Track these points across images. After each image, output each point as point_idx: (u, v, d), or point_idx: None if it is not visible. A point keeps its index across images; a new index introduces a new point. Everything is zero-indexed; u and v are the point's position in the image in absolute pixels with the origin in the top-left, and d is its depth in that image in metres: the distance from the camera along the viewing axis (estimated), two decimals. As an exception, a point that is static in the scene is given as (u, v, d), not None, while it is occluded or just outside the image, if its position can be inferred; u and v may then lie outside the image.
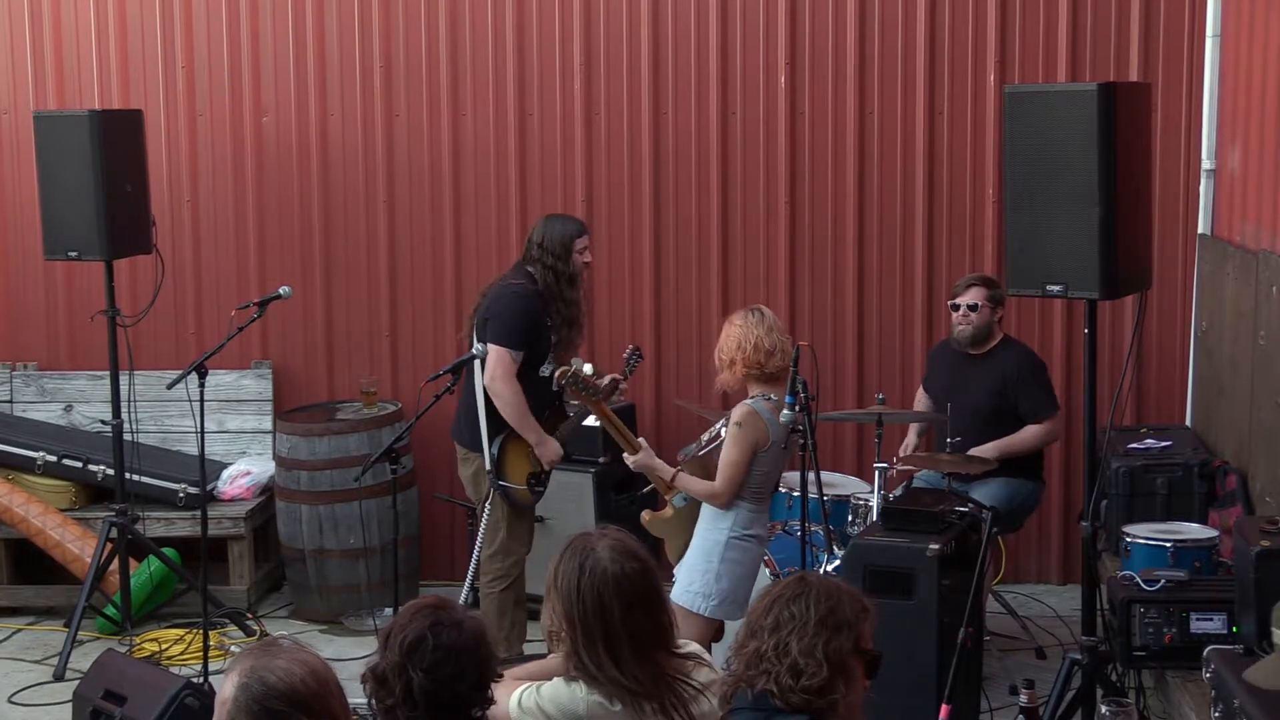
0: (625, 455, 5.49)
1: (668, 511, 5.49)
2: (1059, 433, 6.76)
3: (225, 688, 2.76)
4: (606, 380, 5.39)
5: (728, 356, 5.28)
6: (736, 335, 5.26)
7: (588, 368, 5.32)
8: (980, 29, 7.25)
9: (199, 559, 6.32)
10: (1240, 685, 4.06)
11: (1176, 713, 5.41)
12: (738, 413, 5.24)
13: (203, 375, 6.08)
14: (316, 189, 7.62)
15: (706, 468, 5.39)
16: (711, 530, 5.30)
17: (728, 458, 5.22)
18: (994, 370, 6.54)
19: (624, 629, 3.36)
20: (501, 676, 3.24)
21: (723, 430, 5.46)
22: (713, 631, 5.35)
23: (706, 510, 5.34)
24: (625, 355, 6.21)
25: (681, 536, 5.42)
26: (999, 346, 6.62)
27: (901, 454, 6.57)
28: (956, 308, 6.59)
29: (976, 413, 6.43)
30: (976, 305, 6.53)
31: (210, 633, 6.42)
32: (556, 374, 5.37)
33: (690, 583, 5.27)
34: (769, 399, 5.24)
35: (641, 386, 7.44)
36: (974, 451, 6.32)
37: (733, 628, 5.61)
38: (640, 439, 5.47)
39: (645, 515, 5.54)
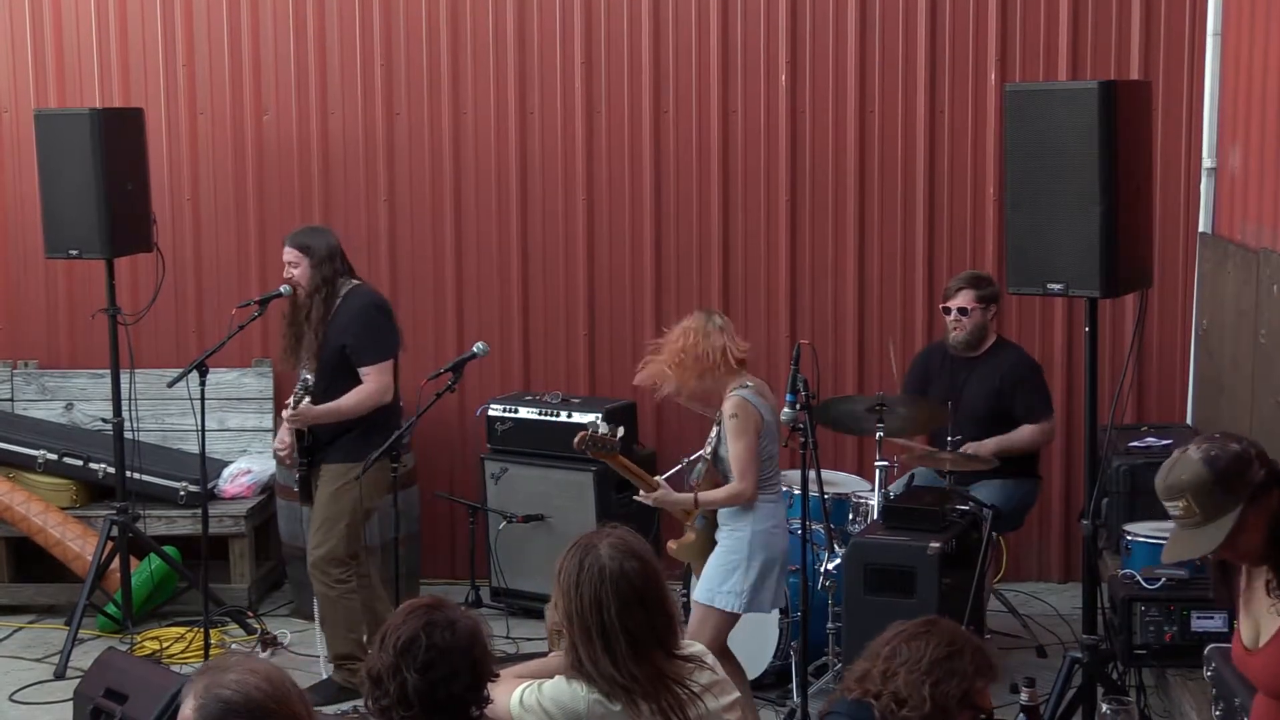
0: (642, 494, 5.45)
1: (690, 536, 5.48)
2: (1053, 435, 6.74)
3: (184, 712, 2.70)
4: (619, 432, 5.39)
5: (706, 360, 5.28)
6: (703, 330, 5.30)
7: (603, 427, 5.31)
8: (981, 28, 7.25)
9: (200, 557, 6.33)
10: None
11: (1177, 711, 5.41)
12: (729, 406, 5.24)
13: (203, 373, 6.08)
14: (317, 187, 7.62)
15: (715, 481, 5.40)
16: (735, 530, 5.30)
17: (738, 452, 5.21)
18: (990, 374, 6.52)
19: (620, 626, 3.36)
20: (498, 675, 3.24)
21: (713, 437, 5.47)
22: (732, 626, 5.36)
23: (724, 514, 5.34)
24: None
25: (707, 556, 5.41)
26: (994, 349, 6.59)
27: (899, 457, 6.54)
28: (948, 311, 6.56)
29: (974, 416, 6.41)
30: (967, 309, 6.49)
31: (211, 631, 6.43)
32: (576, 441, 5.34)
33: (721, 582, 5.26)
34: (747, 385, 5.28)
35: (642, 387, 7.42)
36: (970, 448, 6.31)
37: (735, 628, 5.61)
38: (657, 477, 5.47)
39: (671, 545, 5.54)
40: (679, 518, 5.56)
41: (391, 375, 6.13)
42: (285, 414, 6.00)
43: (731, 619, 5.30)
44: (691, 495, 5.36)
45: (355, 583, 6.06)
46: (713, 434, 5.44)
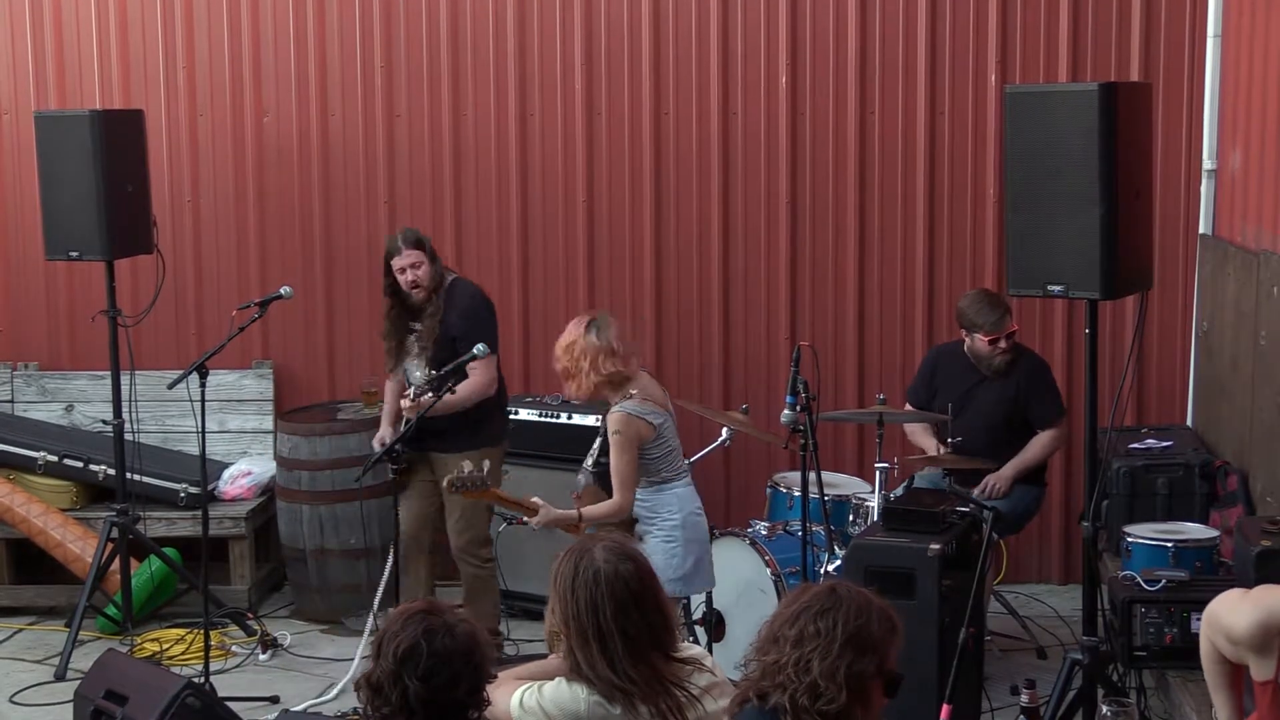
0: (525, 519, 5.43)
1: None
2: (1067, 437, 6.72)
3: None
4: (485, 466, 5.37)
5: (574, 365, 5.31)
6: (580, 346, 5.30)
7: (468, 467, 5.26)
8: (981, 29, 7.25)
9: (200, 559, 6.32)
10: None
11: (1178, 713, 5.41)
12: (613, 422, 5.27)
13: (204, 375, 6.08)
14: (317, 189, 7.63)
15: (597, 494, 5.44)
16: (663, 518, 5.34)
17: (617, 468, 5.27)
18: (1008, 382, 6.51)
19: (616, 627, 3.38)
20: (495, 677, 3.24)
21: (595, 448, 5.49)
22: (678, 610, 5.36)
23: (649, 504, 5.36)
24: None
25: None
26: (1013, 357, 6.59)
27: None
28: (996, 341, 6.45)
29: (989, 423, 6.39)
30: (1014, 333, 6.50)
31: (211, 633, 6.42)
32: (445, 484, 5.32)
33: (660, 571, 5.28)
34: (630, 396, 5.29)
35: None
36: (991, 482, 6.37)
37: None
38: (534, 498, 5.40)
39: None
40: (571, 534, 5.52)
41: (495, 368, 6.26)
42: (404, 403, 6.03)
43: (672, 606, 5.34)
44: (575, 512, 5.36)
45: (496, 560, 6.33)
46: (595, 445, 5.47)
